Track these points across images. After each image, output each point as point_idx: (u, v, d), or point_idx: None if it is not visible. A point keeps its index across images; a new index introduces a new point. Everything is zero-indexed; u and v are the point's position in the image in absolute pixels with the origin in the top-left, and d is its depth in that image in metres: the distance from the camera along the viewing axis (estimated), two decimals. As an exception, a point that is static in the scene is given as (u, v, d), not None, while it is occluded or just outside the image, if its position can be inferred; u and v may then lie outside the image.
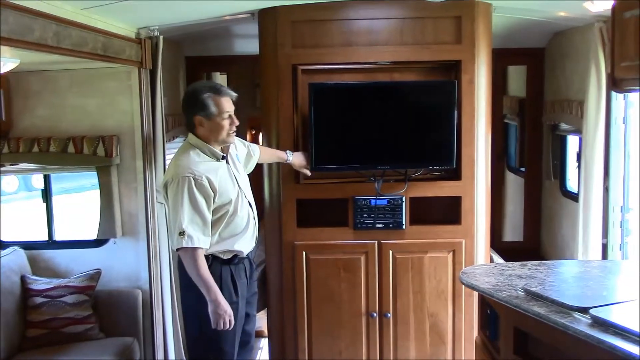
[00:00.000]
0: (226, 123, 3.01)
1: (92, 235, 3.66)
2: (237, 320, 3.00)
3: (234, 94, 3.09)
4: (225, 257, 3.03)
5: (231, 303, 2.97)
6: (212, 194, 2.92)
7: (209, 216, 2.92)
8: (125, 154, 3.60)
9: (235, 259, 3.07)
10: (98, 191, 3.57)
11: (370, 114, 3.70)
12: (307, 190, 3.80)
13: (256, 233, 3.20)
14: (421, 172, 3.74)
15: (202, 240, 2.89)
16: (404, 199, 3.73)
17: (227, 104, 3.03)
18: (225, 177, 3.03)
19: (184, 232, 2.84)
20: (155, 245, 3.65)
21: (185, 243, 2.84)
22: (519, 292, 2.54)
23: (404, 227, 3.75)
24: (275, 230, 3.85)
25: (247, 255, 3.14)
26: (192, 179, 2.87)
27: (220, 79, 6.01)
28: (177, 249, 2.91)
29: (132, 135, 3.57)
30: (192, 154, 2.98)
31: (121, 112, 3.57)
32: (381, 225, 3.76)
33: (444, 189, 3.75)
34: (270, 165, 3.81)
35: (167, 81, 3.89)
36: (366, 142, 3.70)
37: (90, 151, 3.48)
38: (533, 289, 2.50)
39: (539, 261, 3.04)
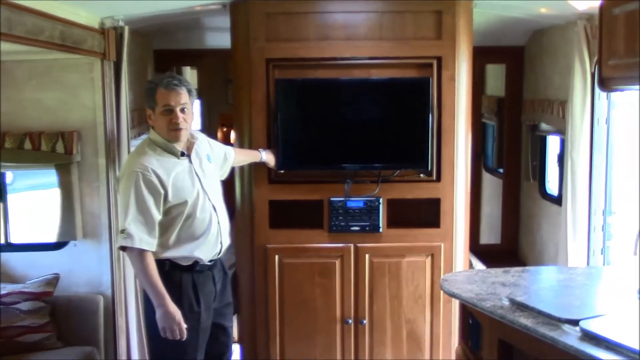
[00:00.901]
0: (165, 117, 2.78)
1: (52, 237, 3.44)
2: (199, 331, 2.82)
3: (187, 87, 2.83)
4: (185, 264, 2.82)
5: (191, 313, 2.78)
6: (162, 192, 2.71)
7: (156, 216, 2.70)
8: (87, 151, 3.38)
9: (197, 266, 2.84)
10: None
11: (341, 112, 3.56)
12: (281, 191, 3.63)
13: (222, 239, 2.94)
14: (397, 174, 3.60)
15: (145, 241, 2.67)
16: (380, 201, 3.59)
17: (171, 97, 2.77)
18: (183, 176, 2.81)
19: (124, 229, 2.65)
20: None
21: (125, 242, 2.66)
22: (503, 301, 2.41)
23: (380, 230, 3.60)
24: (246, 232, 3.68)
25: (212, 262, 2.91)
26: (140, 174, 2.68)
27: (190, 74, 5.81)
28: (120, 248, 2.77)
29: (94, 131, 3.36)
30: (147, 149, 2.80)
31: (83, 106, 3.35)
32: (357, 228, 3.61)
33: (422, 190, 3.61)
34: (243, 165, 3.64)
35: (134, 75, 3.68)
36: (335, 141, 3.56)
37: (48, 148, 3.26)
38: (518, 299, 2.38)
39: (522, 267, 2.94)
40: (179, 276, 2.79)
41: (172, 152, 2.81)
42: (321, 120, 3.55)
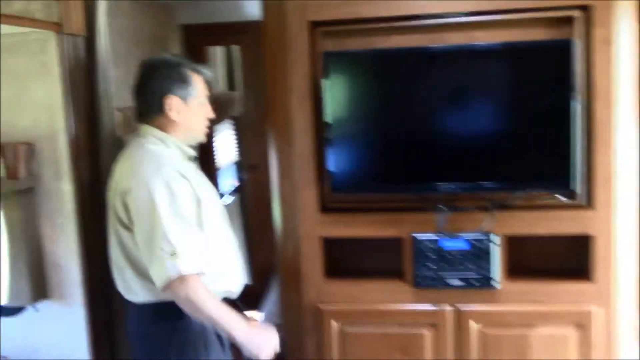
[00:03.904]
0: (206, 112, 2.07)
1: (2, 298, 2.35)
2: None
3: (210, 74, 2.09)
4: None
5: None
6: (197, 201, 1.91)
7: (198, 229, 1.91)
8: (45, 173, 2.25)
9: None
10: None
11: (429, 100, 2.25)
12: (339, 223, 2.39)
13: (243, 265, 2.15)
14: (520, 196, 2.27)
15: (201, 262, 1.87)
16: (494, 239, 2.27)
17: (206, 87, 2.07)
18: (206, 185, 2.05)
19: (175, 252, 1.80)
20: (99, 309, 2.33)
21: (185, 268, 1.80)
22: None
23: (496, 284, 2.30)
24: (290, 285, 2.46)
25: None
26: (172, 176, 1.87)
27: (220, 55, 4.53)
28: (167, 283, 1.81)
29: (53, 141, 2.22)
30: (156, 149, 1.95)
31: (34, 105, 2.23)
32: (458, 282, 2.31)
33: (562, 222, 2.26)
34: (283, 182, 2.42)
35: (131, 56, 2.54)
36: (421, 147, 2.27)
37: (-19, 170, 2.17)
38: None
39: None
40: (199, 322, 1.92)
41: (185, 154, 2.04)
42: (398, 114, 2.27)
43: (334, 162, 2.28)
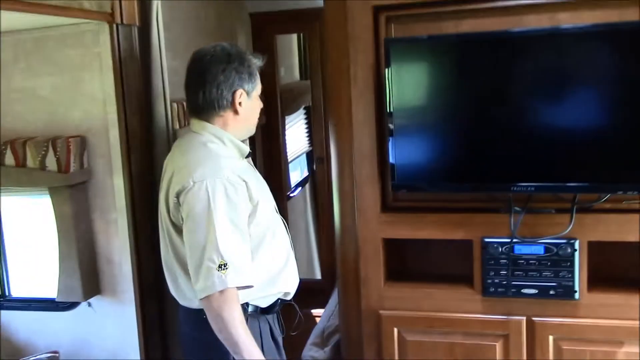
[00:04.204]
0: (259, 105, 1.99)
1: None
2: None
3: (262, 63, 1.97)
4: (263, 305, 1.93)
5: None
6: (254, 204, 1.84)
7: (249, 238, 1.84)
8: (98, 166, 2.19)
9: (276, 305, 1.98)
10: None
11: (507, 90, 2.03)
12: (402, 224, 2.22)
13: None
14: (610, 198, 2.03)
15: (250, 275, 1.79)
16: (576, 245, 2.05)
17: None
18: (260, 183, 1.97)
19: (225, 264, 1.71)
20: (151, 306, 2.26)
21: (231, 281, 1.71)
22: None
23: (576, 295, 2.07)
24: (350, 289, 2.32)
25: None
26: (232, 180, 1.77)
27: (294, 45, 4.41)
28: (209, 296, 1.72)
29: (105, 135, 2.15)
30: (216, 148, 1.85)
31: (87, 97, 2.16)
32: (533, 291, 2.10)
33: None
34: (342, 178, 2.27)
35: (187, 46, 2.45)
36: (494, 142, 2.05)
37: (36, 163, 2.12)
38: None
39: None
40: (256, 324, 1.91)
41: (241, 151, 1.94)
42: (470, 106, 2.07)
43: (396, 157, 2.11)
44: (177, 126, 2.36)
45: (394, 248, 2.31)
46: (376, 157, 2.21)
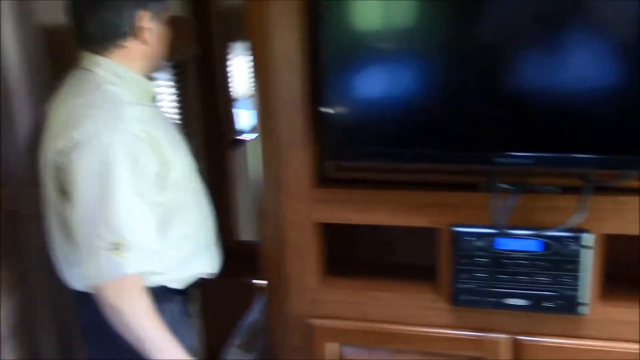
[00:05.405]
0: (167, 32, 1.52)
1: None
2: None
3: None
4: (173, 286, 1.53)
5: None
6: (165, 165, 1.42)
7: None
8: None
9: (194, 285, 1.61)
10: None
11: (489, 12, 1.34)
12: (343, 204, 1.57)
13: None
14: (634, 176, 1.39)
15: (157, 257, 1.41)
16: (587, 240, 1.42)
17: None
18: (172, 135, 1.53)
19: (123, 244, 1.32)
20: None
21: (131, 266, 1.33)
22: None
23: (583, 309, 1.46)
24: (274, 289, 1.70)
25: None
26: (136, 134, 1.36)
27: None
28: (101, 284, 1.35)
29: None
30: (115, 91, 1.41)
31: None
32: (522, 302, 1.49)
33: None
34: (264, 138, 1.61)
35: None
36: (472, 97, 1.35)
37: None
38: None
39: None
40: (168, 306, 1.49)
41: (148, 93, 1.50)
42: (442, 34, 1.37)
43: (331, 109, 1.44)
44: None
45: (336, 232, 1.68)
46: (307, 107, 1.54)
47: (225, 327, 2.54)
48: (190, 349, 1.47)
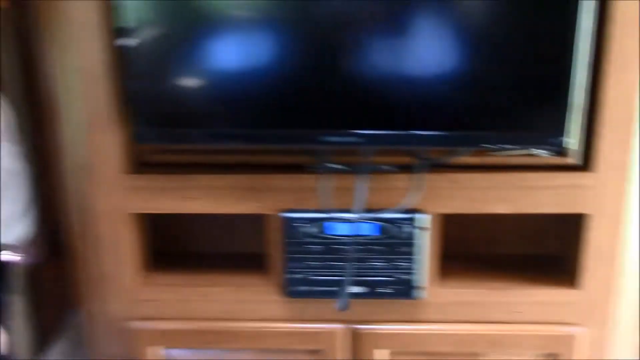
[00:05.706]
0: None
1: None
2: None
3: None
4: None
5: None
6: None
7: None
8: None
9: None
10: None
11: (315, 7, 1.18)
12: (161, 192, 1.36)
13: None
14: (472, 151, 1.31)
15: None
16: (422, 221, 1.32)
17: None
18: None
19: None
20: None
21: None
22: None
23: (419, 292, 1.38)
24: (89, 292, 1.48)
25: None
26: None
27: None
28: None
29: None
30: None
31: None
32: (359, 289, 1.38)
33: (539, 194, 1.31)
34: (67, 116, 1.36)
35: None
36: (298, 70, 1.17)
37: None
38: None
39: None
40: None
41: None
42: (260, 11, 1.19)
43: (135, 84, 1.23)
44: None
45: (159, 223, 1.48)
46: (114, 82, 1.31)
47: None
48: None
